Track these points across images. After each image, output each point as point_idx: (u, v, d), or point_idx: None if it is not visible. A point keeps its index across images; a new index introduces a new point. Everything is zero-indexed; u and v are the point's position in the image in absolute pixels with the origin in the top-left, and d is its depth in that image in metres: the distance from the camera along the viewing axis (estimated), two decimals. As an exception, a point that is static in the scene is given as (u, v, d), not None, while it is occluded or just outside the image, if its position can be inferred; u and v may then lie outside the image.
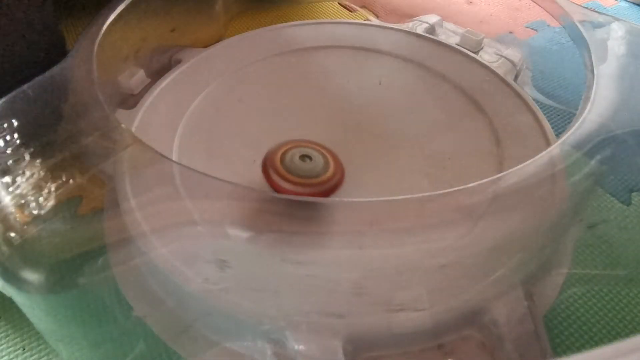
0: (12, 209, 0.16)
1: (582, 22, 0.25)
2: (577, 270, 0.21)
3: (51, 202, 0.16)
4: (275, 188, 0.19)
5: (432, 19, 0.32)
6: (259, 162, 0.22)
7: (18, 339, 0.19)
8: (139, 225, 0.17)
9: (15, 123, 0.18)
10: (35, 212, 0.16)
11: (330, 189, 0.19)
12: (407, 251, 0.16)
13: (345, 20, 0.36)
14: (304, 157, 0.19)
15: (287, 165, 0.19)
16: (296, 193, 0.18)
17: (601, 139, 0.18)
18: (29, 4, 0.22)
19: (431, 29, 0.31)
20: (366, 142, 0.24)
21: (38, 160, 0.17)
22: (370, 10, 0.38)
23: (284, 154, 0.19)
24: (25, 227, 0.16)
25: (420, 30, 0.31)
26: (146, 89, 0.26)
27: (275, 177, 0.19)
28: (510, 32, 0.36)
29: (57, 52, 0.25)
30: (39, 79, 0.20)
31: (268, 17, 0.37)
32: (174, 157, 0.22)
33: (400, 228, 0.16)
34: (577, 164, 0.18)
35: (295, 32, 0.30)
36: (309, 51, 0.29)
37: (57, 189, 0.17)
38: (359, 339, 0.16)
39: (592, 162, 0.18)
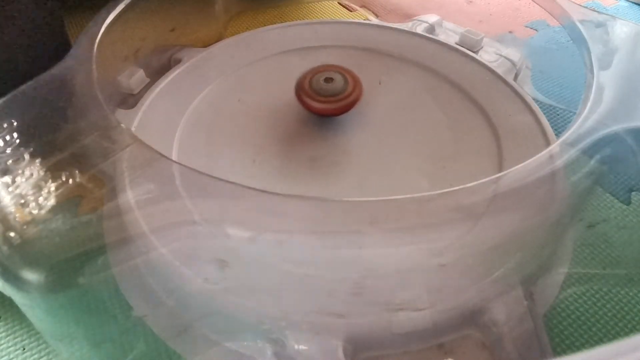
0: (12, 209, 0.16)
1: (582, 21, 0.25)
2: (577, 269, 0.21)
3: (51, 202, 0.16)
4: (309, 108, 0.23)
5: (432, 18, 0.32)
6: (259, 162, 0.22)
7: (18, 339, 0.19)
8: (139, 225, 0.17)
9: (15, 123, 0.18)
10: (35, 212, 0.16)
11: (350, 103, 0.23)
12: (407, 251, 0.16)
13: (344, 20, 0.36)
14: (327, 79, 0.23)
15: (315, 88, 0.23)
16: (325, 109, 0.23)
17: (601, 138, 0.18)
18: (32, 1, 0.22)
19: (431, 29, 0.31)
20: (366, 141, 0.24)
21: (38, 160, 0.17)
22: (369, 10, 0.38)
23: (311, 79, 0.23)
24: (25, 227, 0.16)
25: (419, 29, 0.31)
26: (146, 88, 0.26)
27: (307, 100, 0.23)
28: (510, 32, 0.36)
29: (61, 51, 0.25)
30: (38, 78, 0.20)
31: (268, 17, 0.37)
32: (174, 157, 0.22)
33: (400, 228, 0.16)
34: (577, 163, 0.18)
35: (295, 32, 0.30)
36: (309, 51, 0.29)
37: (57, 188, 0.17)
38: (359, 339, 0.16)
39: (592, 162, 0.18)
